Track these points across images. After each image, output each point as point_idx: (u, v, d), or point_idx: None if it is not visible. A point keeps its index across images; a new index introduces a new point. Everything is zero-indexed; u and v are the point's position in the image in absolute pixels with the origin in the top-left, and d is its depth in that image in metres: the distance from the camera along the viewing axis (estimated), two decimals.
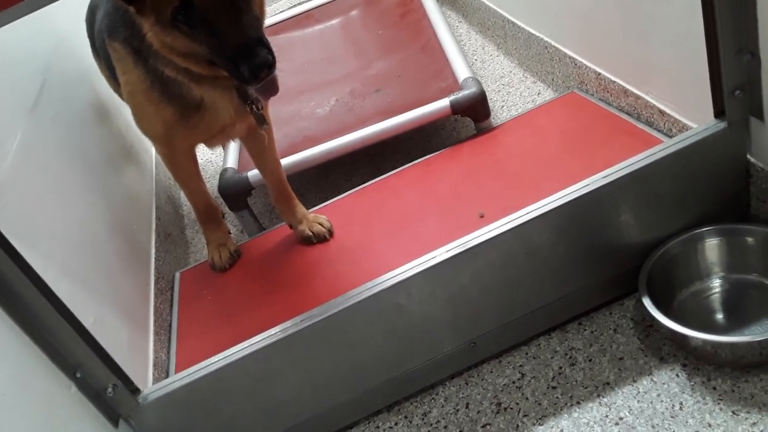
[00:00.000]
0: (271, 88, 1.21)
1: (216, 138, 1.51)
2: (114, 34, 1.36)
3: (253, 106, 1.37)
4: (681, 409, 1.12)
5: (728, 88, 1.18)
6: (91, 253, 1.44)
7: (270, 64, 1.12)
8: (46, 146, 1.46)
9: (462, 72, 1.91)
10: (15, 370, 0.97)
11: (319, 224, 1.63)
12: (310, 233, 1.63)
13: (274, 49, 1.15)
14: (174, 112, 1.37)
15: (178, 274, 1.79)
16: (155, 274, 1.72)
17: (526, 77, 2.19)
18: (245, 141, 1.60)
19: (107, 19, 1.40)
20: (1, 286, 0.99)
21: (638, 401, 1.16)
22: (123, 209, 1.77)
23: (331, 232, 1.63)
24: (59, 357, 1.06)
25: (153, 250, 1.81)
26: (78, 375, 1.08)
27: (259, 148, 1.60)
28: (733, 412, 1.09)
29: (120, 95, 1.77)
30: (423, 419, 1.29)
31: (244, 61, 1.11)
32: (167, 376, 1.42)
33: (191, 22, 1.13)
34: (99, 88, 1.95)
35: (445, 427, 1.26)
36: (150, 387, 1.23)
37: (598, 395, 1.20)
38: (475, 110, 1.80)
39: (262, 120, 1.41)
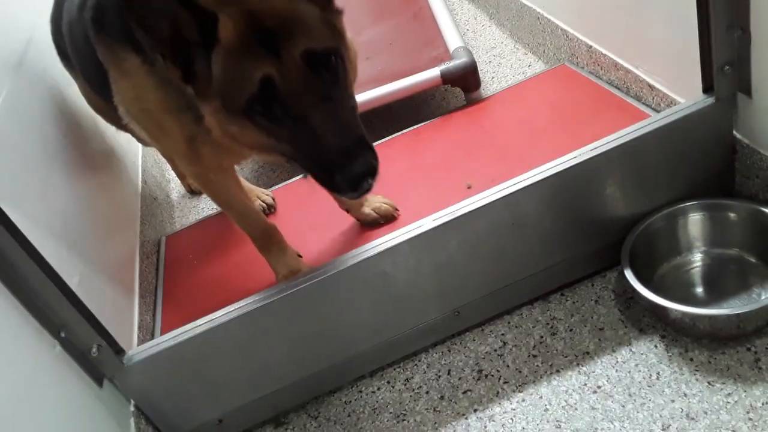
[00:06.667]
0: (366, 190, 0.96)
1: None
2: (110, 33, 1.09)
3: None
4: (658, 378, 1.15)
5: (718, 63, 1.18)
6: (77, 214, 1.43)
7: (375, 172, 0.92)
8: (32, 104, 1.44)
9: (453, 41, 1.90)
10: None
11: (385, 204, 1.46)
12: (376, 215, 1.45)
13: None
14: (196, 118, 1.08)
15: (164, 239, 1.79)
16: (141, 238, 1.71)
17: (517, 48, 2.18)
18: None
19: (97, 12, 1.11)
20: None
21: (616, 370, 1.19)
22: (109, 171, 1.76)
23: (395, 209, 1.46)
24: (43, 316, 1.05)
25: (138, 213, 1.80)
26: (62, 334, 1.08)
27: None
28: (709, 383, 1.11)
29: (105, 116, 1.58)
30: (405, 384, 1.31)
31: (342, 170, 0.90)
32: (152, 339, 1.43)
33: (271, 114, 0.92)
34: None
35: (427, 392, 1.28)
36: (135, 348, 1.24)
37: (578, 364, 1.22)
38: (465, 81, 1.80)
39: None
